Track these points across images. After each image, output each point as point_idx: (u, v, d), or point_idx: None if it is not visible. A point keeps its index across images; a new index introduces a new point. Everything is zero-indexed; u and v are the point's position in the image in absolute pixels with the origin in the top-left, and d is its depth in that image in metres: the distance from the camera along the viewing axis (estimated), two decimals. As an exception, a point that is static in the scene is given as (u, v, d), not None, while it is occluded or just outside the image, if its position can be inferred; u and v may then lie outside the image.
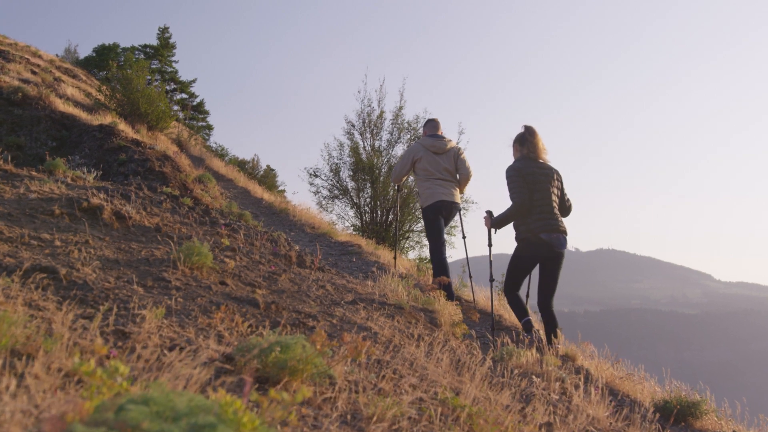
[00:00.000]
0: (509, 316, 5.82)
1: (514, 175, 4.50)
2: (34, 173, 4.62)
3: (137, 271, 2.77)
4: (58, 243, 2.86)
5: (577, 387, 2.96)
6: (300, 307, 2.98)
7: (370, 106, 15.32)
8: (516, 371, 2.70)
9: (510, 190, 4.52)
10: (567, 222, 4.70)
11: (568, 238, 4.58)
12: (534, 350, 3.38)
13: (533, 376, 2.88)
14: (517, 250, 4.60)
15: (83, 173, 5.12)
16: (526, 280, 4.82)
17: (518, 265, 4.59)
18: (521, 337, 4.32)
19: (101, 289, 2.34)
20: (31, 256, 2.56)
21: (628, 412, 2.99)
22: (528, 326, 4.50)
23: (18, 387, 1.32)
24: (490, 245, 4.96)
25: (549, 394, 2.76)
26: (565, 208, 4.71)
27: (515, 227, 4.60)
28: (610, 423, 2.75)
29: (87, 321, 1.98)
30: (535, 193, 4.46)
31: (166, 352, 1.82)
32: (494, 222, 4.69)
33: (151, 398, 0.93)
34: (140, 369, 1.59)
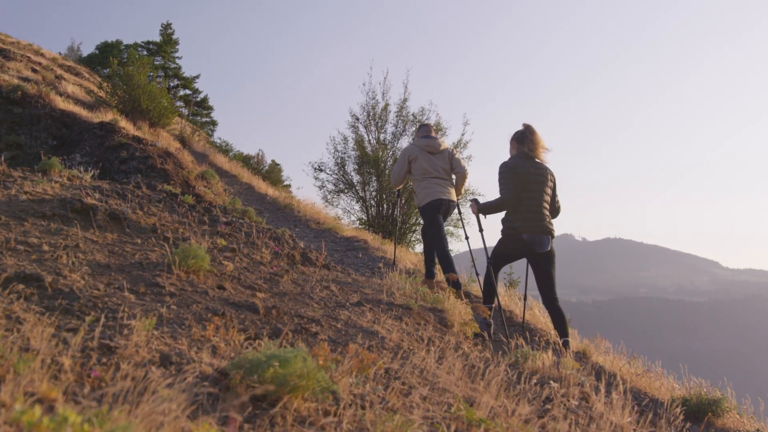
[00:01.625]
0: (520, 312, 5.67)
1: (506, 172, 4.52)
2: (27, 173, 4.47)
3: (129, 277, 2.62)
4: (46, 248, 2.71)
5: (597, 391, 2.80)
6: (302, 311, 2.82)
7: (374, 98, 15.10)
8: (533, 377, 2.53)
9: (500, 185, 4.55)
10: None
11: (554, 238, 4.60)
12: (550, 353, 3.22)
13: (551, 382, 2.71)
14: (499, 241, 4.68)
15: (80, 172, 4.97)
16: (526, 277, 4.96)
17: (499, 255, 4.69)
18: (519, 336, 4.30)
19: (89, 298, 2.19)
20: (15, 263, 2.40)
21: (652, 417, 2.82)
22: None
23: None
24: (481, 230, 5.06)
25: (568, 400, 2.59)
26: (554, 209, 4.72)
27: (502, 221, 4.65)
28: (634, 429, 2.59)
29: (70, 334, 1.82)
30: (528, 192, 4.47)
31: (153, 369, 1.66)
32: (481, 208, 4.78)
33: (113, 450, 0.76)
34: (121, 390, 1.43)
